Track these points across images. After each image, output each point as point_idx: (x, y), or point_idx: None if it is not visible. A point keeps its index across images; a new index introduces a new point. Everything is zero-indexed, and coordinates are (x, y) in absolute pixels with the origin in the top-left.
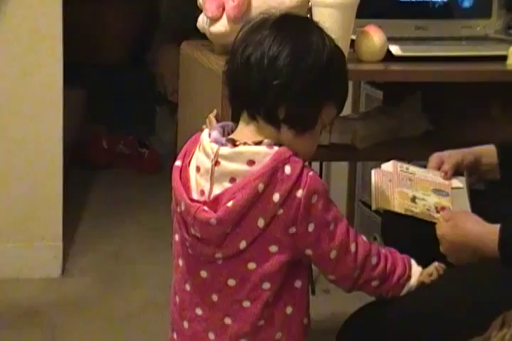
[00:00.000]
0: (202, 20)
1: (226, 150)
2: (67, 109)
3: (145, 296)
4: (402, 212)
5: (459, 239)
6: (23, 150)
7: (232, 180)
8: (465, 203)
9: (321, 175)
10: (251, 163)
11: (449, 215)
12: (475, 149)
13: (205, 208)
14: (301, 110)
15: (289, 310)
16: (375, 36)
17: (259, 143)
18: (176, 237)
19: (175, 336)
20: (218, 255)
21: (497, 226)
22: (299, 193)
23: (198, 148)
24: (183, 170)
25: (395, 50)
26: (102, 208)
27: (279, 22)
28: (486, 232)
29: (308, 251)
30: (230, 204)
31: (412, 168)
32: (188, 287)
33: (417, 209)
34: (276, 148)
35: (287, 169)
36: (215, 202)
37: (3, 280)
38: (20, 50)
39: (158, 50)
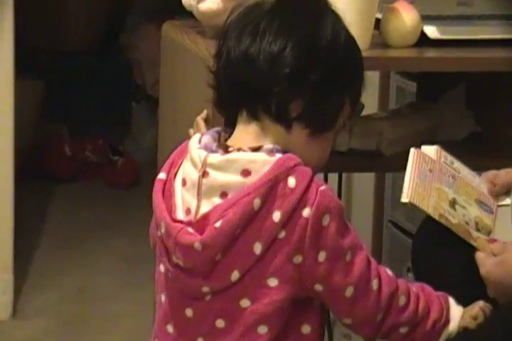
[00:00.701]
0: None
1: (216, 157)
2: (20, 104)
3: None
4: (436, 217)
5: (509, 280)
6: None
7: (223, 194)
8: (509, 225)
9: (340, 190)
10: (246, 173)
11: (501, 248)
12: None
13: (189, 230)
14: (321, 104)
15: None
16: (406, 14)
17: (257, 150)
18: (161, 268)
19: None
20: (205, 289)
21: None
22: (306, 212)
23: (186, 158)
24: (167, 185)
25: (432, 31)
26: (63, 232)
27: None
28: None
29: (318, 287)
30: (218, 224)
31: (458, 164)
32: (170, 328)
33: (454, 219)
34: (278, 155)
35: (291, 181)
36: (202, 222)
37: None
38: None
39: (134, 33)
